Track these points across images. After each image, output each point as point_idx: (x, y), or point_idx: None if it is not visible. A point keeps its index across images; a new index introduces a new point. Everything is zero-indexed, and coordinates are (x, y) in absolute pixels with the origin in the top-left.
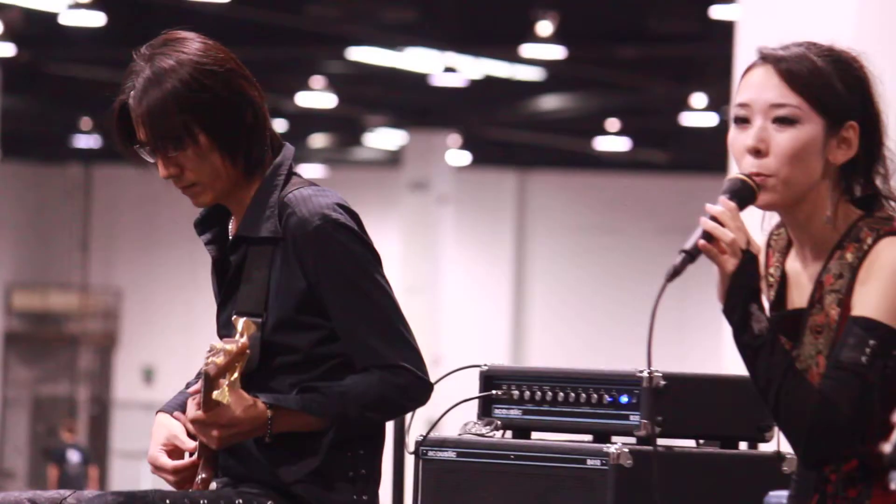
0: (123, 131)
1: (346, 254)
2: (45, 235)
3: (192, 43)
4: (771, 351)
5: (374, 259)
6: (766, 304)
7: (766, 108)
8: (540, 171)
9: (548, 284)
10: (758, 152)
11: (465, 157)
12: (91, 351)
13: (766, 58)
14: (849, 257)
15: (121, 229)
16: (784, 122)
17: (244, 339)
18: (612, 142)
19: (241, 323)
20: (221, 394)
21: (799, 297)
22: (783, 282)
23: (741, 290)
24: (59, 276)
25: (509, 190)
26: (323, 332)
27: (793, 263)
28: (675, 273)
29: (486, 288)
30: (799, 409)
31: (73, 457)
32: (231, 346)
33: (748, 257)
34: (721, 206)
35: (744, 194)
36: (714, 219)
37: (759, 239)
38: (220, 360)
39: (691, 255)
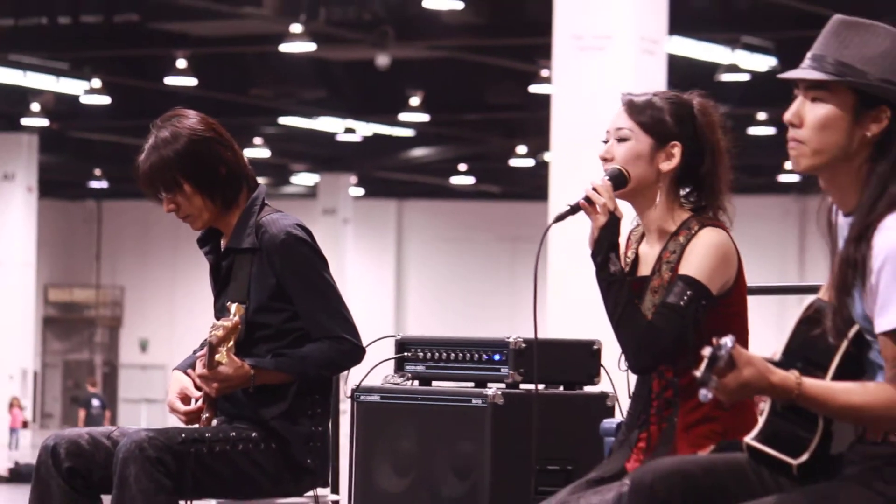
0: (141, 181)
1: (303, 259)
2: (70, 250)
3: (188, 119)
4: (619, 287)
5: (323, 262)
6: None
7: (613, 131)
8: (413, 200)
9: (420, 281)
10: (606, 160)
11: (360, 191)
12: (103, 329)
13: (622, 99)
14: (681, 240)
15: (122, 246)
16: (621, 139)
17: (236, 318)
18: (462, 179)
19: (233, 307)
20: (221, 357)
21: (645, 269)
22: (636, 261)
23: (605, 241)
24: (81, 279)
25: (392, 213)
26: (288, 313)
27: (643, 248)
28: (559, 218)
29: (376, 285)
30: (632, 330)
31: (95, 402)
32: (227, 323)
33: (613, 218)
34: (601, 182)
35: (618, 179)
36: (595, 190)
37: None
38: (220, 333)
39: (573, 209)
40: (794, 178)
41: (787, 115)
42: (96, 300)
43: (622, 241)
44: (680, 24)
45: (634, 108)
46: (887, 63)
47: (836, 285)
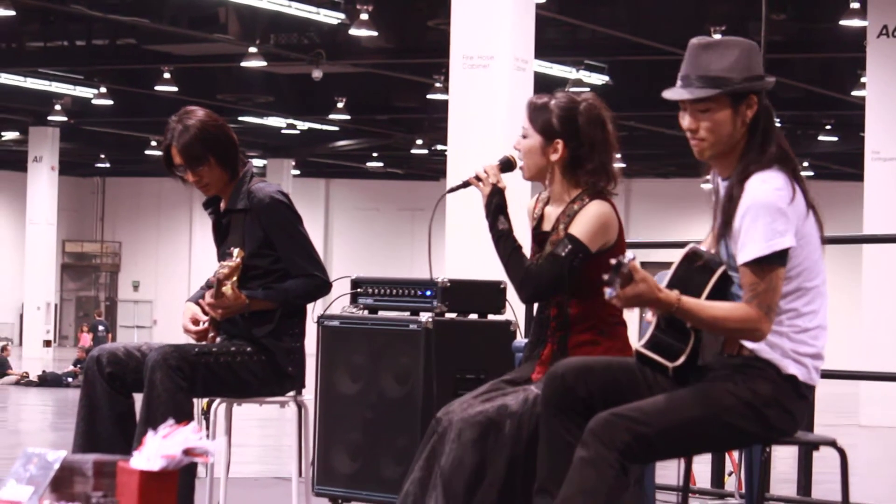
0: (167, 160)
1: (283, 216)
2: (81, 214)
3: (199, 112)
4: (506, 239)
5: (298, 218)
6: (531, 229)
7: (521, 129)
8: (337, 179)
9: (343, 241)
10: (518, 150)
11: (297, 172)
12: (106, 273)
13: (526, 103)
14: (575, 207)
15: (120, 211)
16: (523, 136)
17: (238, 260)
18: (374, 163)
19: (235, 251)
20: (227, 289)
21: (548, 225)
22: (542, 217)
23: (491, 205)
24: (89, 235)
25: (321, 189)
26: (273, 258)
27: (549, 209)
28: (453, 189)
29: None
30: (516, 271)
31: (101, 327)
32: (231, 263)
33: (496, 189)
34: (490, 165)
35: (506, 164)
36: (484, 171)
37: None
38: (225, 270)
39: (465, 184)
40: (622, 165)
41: (686, 125)
42: (101, 251)
43: (532, 201)
44: (540, 48)
45: (532, 112)
46: (742, 66)
47: (715, 230)
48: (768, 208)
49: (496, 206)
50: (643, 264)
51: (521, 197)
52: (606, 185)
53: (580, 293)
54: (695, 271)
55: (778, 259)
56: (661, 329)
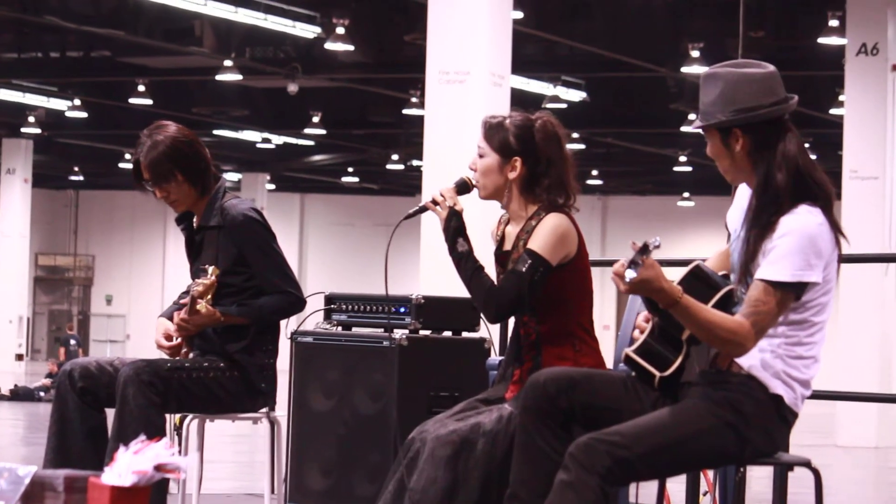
0: (136, 174)
1: (257, 234)
2: (55, 227)
3: (170, 127)
4: (466, 261)
5: (272, 235)
6: (494, 249)
7: (477, 148)
8: (312, 194)
9: (317, 256)
10: (474, 170)
11: (273, 186)
12: (79, 287)
13: (482, 123)
14: (533, 223)
15: (93, 224)
16: (480, 155)
17: (213, 278)
18: (349, 178)
19: (210, 269)
20: (202, 307)
21: (508, 245)
22: (503, 238)
23: (450, 228)
24: (62, 248)
25: (296, 204)
26: (247, 275)
27: (509, 228)
28: (409, 216)
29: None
30: (478, 291)
31: (72, 342)
32: (206, 281)
33: (453, 212)
34: (446, 188)
35: (462, 186)
36: (440, 194)
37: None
38: (200, 288)
39: (421, 209)
40: (599, 182)
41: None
42: (74, 265)
43: (494, 224)
44: (517, 64)
45: (487, 131)
46: (725, 99)
47: (746, 245)
48: (811, 239)
49: (454, 228)
50: None
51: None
52: (566, 201)
53: (547, 308)
54: (699, 286)
55: (796, 289)
56: (654, 337)
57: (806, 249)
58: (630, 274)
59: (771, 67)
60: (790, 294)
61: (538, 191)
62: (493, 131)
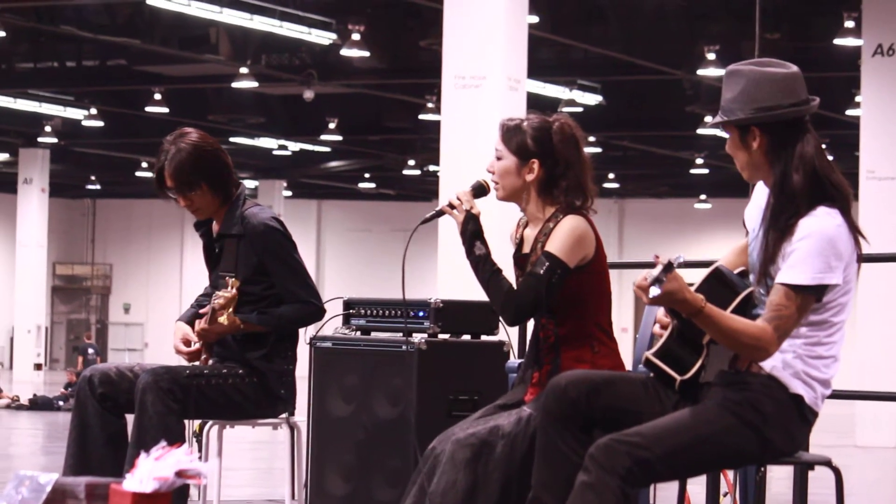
0: (159, 182)
1: (278, 243)
2: (72, 236)
3: (193, 134)
4: (484, 264)
5: (292, 245)
6: (513, 254)
7: (494, 150)
8: (329, 200)
9: (335, 262)
10: (492, 173)
11: (289, 193)
12: (96, 296)
13: (499, 125)
14: (550, 225)
15: (110, 233)
16: (498, 157)
17: (234, 291)
18: (366, 184)
19: (231, 280)
20: (223, 319)
21: (527, 248)
22: (522, 240)
23: (467, 231)
24: (80, 257)
25: (313, 211)
26: (267, 283)
27: (527, 231)
28: (426, 220)
29: None
30: (496, 294)
31: (90, 351)
32: (227, 294)
33: (470, 215)
34: (462, 192)
35: (478, 190)
36: (457, 198)
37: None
38: (221, 301)
39: (438, 213)
40: (615, 185)
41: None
42: (91, 273)
43: (513, 228)
44: (533, 69)
45: (505, 134)
46: (746, 97)
47: (765, 247)
48: (831, 241)
49: (471, 232)
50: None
51: (503, 220)
52: (583, 203)
53: (565, 310)
54: (720, 289)
55: (817, 292)
56: (673, 339)
57: (826, 252)
58: (654, 291)
59: (794, 68)
60: (811, 297)
61: (556, 193)
62: (511, 133)
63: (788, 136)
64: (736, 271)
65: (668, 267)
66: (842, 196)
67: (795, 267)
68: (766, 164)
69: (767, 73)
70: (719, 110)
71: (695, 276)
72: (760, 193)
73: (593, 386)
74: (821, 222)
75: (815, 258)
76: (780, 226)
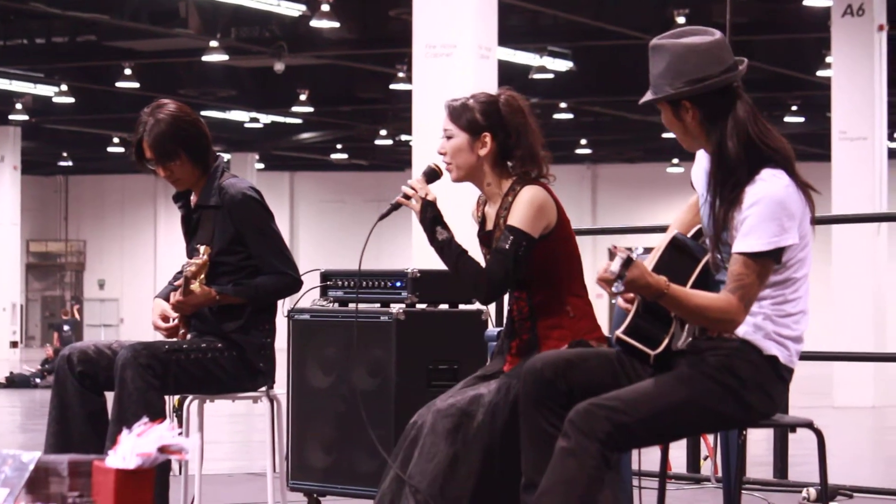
0: (138, 154)
1: (255, 213)
2: (46, 213)
3: (171, 105)
4: (449, 248)
5: (270, 215)
6: (476, 231)
7: (443, 131)
8: (301, 172)
9: (309, 234)
10: (441, 154)
11: (262, 166)
12: (71, 272)
13: (445, 106)
14: (510, 199)
15: (83, 210)
16: (448, 137)
17: (205, 257)
18: (338, 155)
19: (202, 248)
20: (195, 287)
21: (490, 225)
22: (484, 219)
23: (426, 219)
24: (53, 234)
25: (286, 183)
26: (244, 254)
27: (488, 209)
28: (383, 216)
29: None
30: (466, 275)
31: (66, 327)
32: (198, 260)
33: (427, 202)
34: (415, 180)
35: (431, 174)
36: (410, 187)
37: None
38: (193, 268)
39: (394, 207)
40: (588, 151)
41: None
42: (65, 250)
43: (474, 207)
44: (503, 36)
45: (453, 113)
46: (674, 71)
47: (714, 218)
48: (781, 203)
49: (431, 219)
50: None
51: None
52: (539, 173)
53: (537, 280)
54: (680, 258)
55: (774, 255)
56: (640, 315)
57: (777, 214)
58: (617, 287)
59: (717, 34)
60: (770, 261)
61: (511, 165)
62: (459, 111)
63: (720, 104)
64: (691, 232)
65: (628, 262)
66: (782, 157)
67: (749, 235)
68: (703, 134)
69: (690, 45)
70: (649, 87)
71: (655, 240)
72: (703, 155)
73: (568, 364)
74: (767, 186)
75: (768, 223)
76: (725, 197)
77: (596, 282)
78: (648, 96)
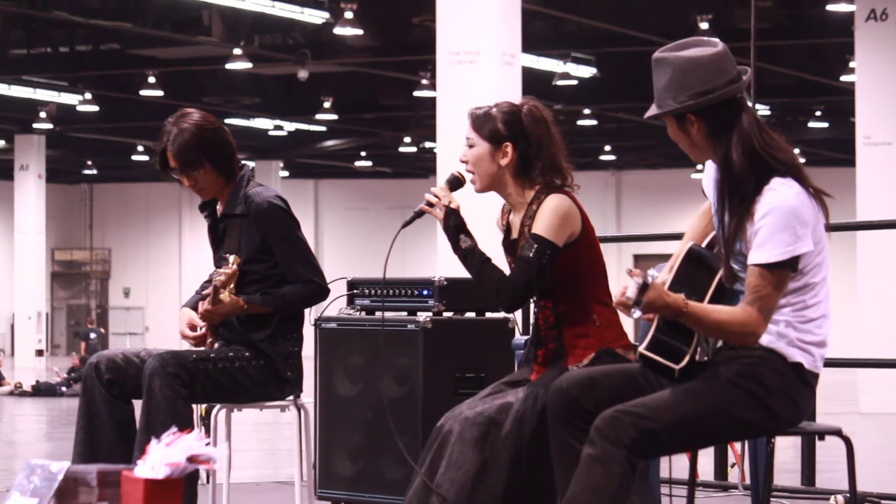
0: (162, 163)
1: (281, 222)
2: (70, 221)
3: (195, 114)
4: (472, 256)
5: (296, 224)
6: (501, 240)
7: (465, 139)
8: (326, 179)
9: (333, 241)
10: (465, 162)
11: (286, 174)
12: (96, 280)
13: (468, 115)
14: (534, 208)
15: (108, 218)
16: (470, 146)
17: (234, 267)
18: (362, 163)
19: (231, 258)
20: (225, 296)
21: (515, 234)
22: (509, 227)
23: (449, 227)
24: (78, 242)
25: (310, 190)
26: (271, 263)
27: (513, 217)
28: (407, 223)
29: None
30: (490, 283)
31: (93, 335)
32: (228, 270)
33: (450, 210)
34: (438, 188)
35: (454, 182)
36: (433, 195)
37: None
38: (222, 278)
39: (418, 214)
40: (612, 157)
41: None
42: (90, 259)
43: (498, 216)
44: (527, 42)
45: (475, 122)
46: (677, 86)
47: (727, 229)
48: (793, 211)
49: (454, 227)
50: (637, 257)
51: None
52: (563, 182)
53: (562, 289)
54: (697, 271)
55: (790, 264)
56: (662, 330)
57: (790, 222)
58: (636, 314)
59: (720, 45)
60: (786, 271)
61: (533, 175)
62: (482, 120)
63: (725, 116)
64: (706, 241)
65: (644, 287)
66: (788, 167)
67: (764, 246)
68: (709, 146)
69: (693, 58)
70: (654, 101)
71: (672, 248)
72: (713, 164)
73: (593, 381)
74: (778, 196)
75: (782, 232)
76: (735, 210)
77: (614, 305)
78: (653, 110)
